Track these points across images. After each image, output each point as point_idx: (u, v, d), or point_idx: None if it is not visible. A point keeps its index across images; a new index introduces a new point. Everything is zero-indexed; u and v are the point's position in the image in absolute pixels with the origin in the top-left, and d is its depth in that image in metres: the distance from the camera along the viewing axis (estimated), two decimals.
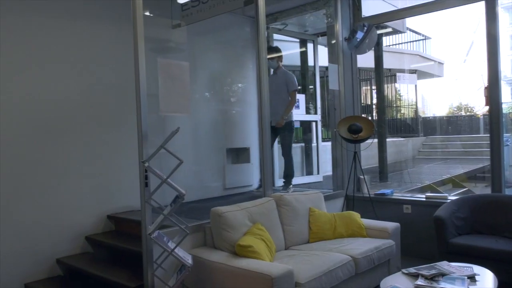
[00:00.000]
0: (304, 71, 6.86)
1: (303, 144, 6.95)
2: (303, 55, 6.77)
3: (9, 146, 3.62)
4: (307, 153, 6.79)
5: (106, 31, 4.25)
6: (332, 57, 5.24)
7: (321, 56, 6.52)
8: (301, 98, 6.25)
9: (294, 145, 7.39)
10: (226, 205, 3.48)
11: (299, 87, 6.32)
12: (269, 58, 4.87)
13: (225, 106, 5.64)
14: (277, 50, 5.33)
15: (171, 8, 4.60)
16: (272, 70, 5.44)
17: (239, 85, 5.85)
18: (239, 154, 5.69)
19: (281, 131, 5.29)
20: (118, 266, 3.65)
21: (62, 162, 3.95)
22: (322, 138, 6.87)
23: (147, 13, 4.33)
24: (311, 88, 6.79)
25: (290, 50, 6.90)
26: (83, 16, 4.11)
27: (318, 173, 6.59)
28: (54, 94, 3.91)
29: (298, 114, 6.04)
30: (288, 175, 5.39)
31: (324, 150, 6.69)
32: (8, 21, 3.66)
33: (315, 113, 6.60)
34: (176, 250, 2.83)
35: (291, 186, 5.34)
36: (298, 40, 6.72)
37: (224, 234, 3.25)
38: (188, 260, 2.89)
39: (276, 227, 3.68)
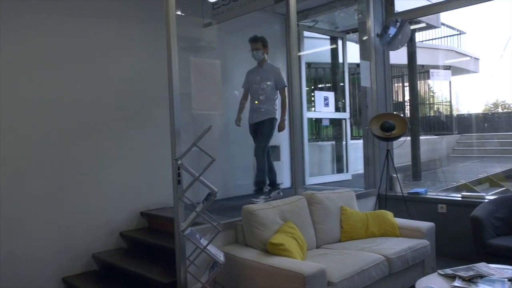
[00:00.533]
0: (334, 68, 6.78)
1: (333, 142, 6.88)
2: (333, 52, 6.69)
3: (48, 144, 3.74)
4: (337, 151, 6.72)
5: (138, 31, 4.33)
6: (364, 54, 5.16)
7: (350, 53, 6.43)
8: (330, 96, 6.18)
9: (324, 143, 7.34)
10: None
11: (328, 85, 6.25)
12: (253, 49, 4.55)
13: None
14: (263, 40, 4.68)
15: (202, 7, 4.64)
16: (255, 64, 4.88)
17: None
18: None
19: (261, 125, 4.64)
20: (151, 262, 3.71)
21: (98, 160, 4.05)
22: (352, 136, 6.78)
23: (179, 13, 4.37)
24: (338, 85, 6.71)
25: (320, 48, 6.84)
26: (115, 16, 4.20)
27: (347, 171, 6.51)
28: (89, 94, 4.02)
29: (327, 112, 5.98)
30: (260, 181, 4.66)
31: (353, 148, 6.61)
32: (43, 22, 3.77)
33: (344, 110, 6.52)
34: (208, 247, 2.86)
35: (277, 191, 4.70)
36: (328, 37, 6.64)
37: (256, 232, 3.26)
38: (220, 257, 2.92)
39: (307, 225, 3.66)
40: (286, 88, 4.44)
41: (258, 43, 4.56)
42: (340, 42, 6.55)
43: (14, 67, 3.60)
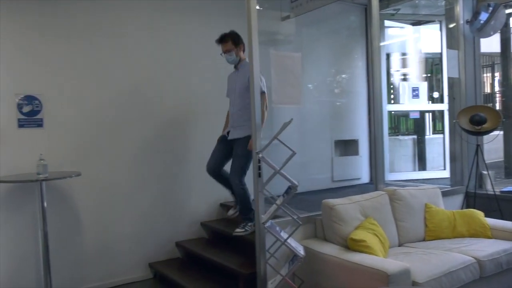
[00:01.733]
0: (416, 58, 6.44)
1: (414, 137, 6.56)
2: (418, 41, 6.34)
3: (137, 138, 3.97)
4: (419, 146, 6.39)
5: (218, 26, 4.42)
6: (451, 42, 4.85)
7: (429, 42, 6.03)
8: (422, 86, 5.80)
9: (405, 137, 7.02)
10: (336, 198, 3.42)
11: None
12: (223, 52, 3.68)
13: (332, 97, 5.55)
14: (232, 37, 3.67)
15: (281, 1, 4.64)
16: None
17: (347, 75, 5.70)
18: (347, 146, 5.56)
19: (236, 144, 3.71)
20: (231, 252, 3.80)
21: (182, 153, 4.24)
22: (434, 130, 6.38)
23: (258, 7, 4.41)
24: (426, 76, 6.30)
25: (401, 37, 6.54)
26: (197, 13, 4.33)
27: (442, 168, 6.13)
28: (172, 90, 4.20)
29: (418, 104, 5.62)
30: (244, 209, 3.77)
31: (435, 143, 6.23)
32: (131, 21, 3.99)
33: (442, 101, 6.08)
34: (288, 241, 2.86)
35: (249, 225, 3.71)
36: (410, 25, 6.32)
37: (336, 227, 3.20)
38: (300, 251, 2.91)
39: (389, 222, 3.53)
40: (264, 95, 3.40)
41: (227, 43, 3.66)
42: (422, 30, 6.19)
43: (111, 63, 3.87)
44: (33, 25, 3.53)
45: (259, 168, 3.03)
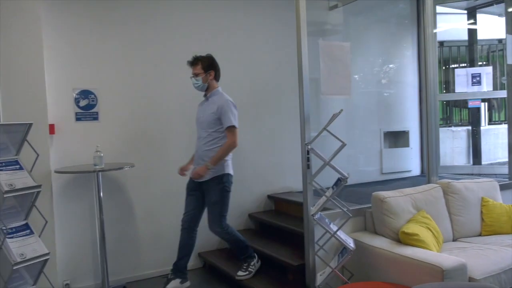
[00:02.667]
0: (472, 44, 6.13)
1: (469, 128, 6.29)
2: (473, 27, 6.04)
3: (190, 129, 4.04)
4: (473, 137, 6.12)
5: (267, 18, 4.44)
6: (511, 27, 4.57)
7: (487, 28, 5.71)
8: (484, 71, 5.47)
9: (458, 128, 6.74)
10: (387, 190, 3.34)
11: (463, 64, 5.60)
12: (193, 75, 3.39)
13: (380, 88, 5.41)
14: (203, 61, 3.37)
15: None
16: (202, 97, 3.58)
17: (395, 65, 5.53)
18: (397, 138, 5.42)
19: (205, 188, 3.35)
20: (279, 244, 3.82)
21: None
22: (490, 121, 6.06)
23: None
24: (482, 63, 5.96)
25: (455, 23, 6.25)
26: (244, 8, 4.35)
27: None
28: (224, 82, 4.23)
29: (479, 92, 5.30)
30: (240, 251, 3.53)
31: (491, 134, 5.94)
32: (184, 18, 4.06)
33: (503, 88, 5.75)
34: (338, 233, 2.84)
35: (251, 264, 3.51)
36: (465, 12, 6.03)
37: (387, 220, 3.13)
38: (350, 243, 2.87)
39: (442, 216, 3.41)
40: (232, 129, 3.24)
41: (196, 66, 3.35)
42: (478, 16, 5.88)
43: (162, 58, 3.96)
44: (89, 22, 3.67)
45: (308, 159, 3.02)
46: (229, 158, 3.37)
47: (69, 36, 3.60)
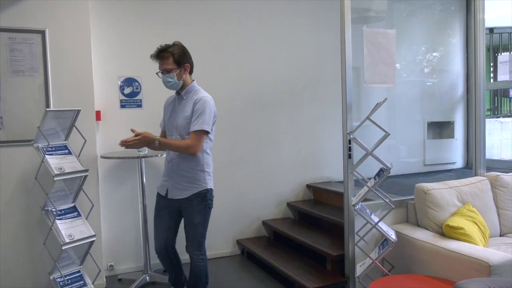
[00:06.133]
0: None
1: None
2: None
3: (228, 119, 4.07)
4: None
5: (309, 7, 4.38)
6: None
7: None
8: None
9: (508, 119, 6.45)
10: (430, 182, 3.25)
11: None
12: (161, 70, 2.63)
13: (423, 77, 5.24)
14: (174, 53, 2.59)
15: None
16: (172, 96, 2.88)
17: (439, 53, 5.33)
18: (442, 129, 5.24)
19: (185, 207, 2.68)
20: (317, 233, 3.81)
21: (271, 134, 4.29)
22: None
23: None
24: None
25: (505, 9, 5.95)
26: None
27: None
28: (264, 71, 4.25)
29: None
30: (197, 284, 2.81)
31: None
32: (230, 13, 4.07)
33: None
34: (379, 224, 2.79)
35: None
36: None
37: (430, 213, 3.05)
38: (392, 235, 2.82)
39: (490, 210, 3.28)
40: (200, 135, 2.56)
41: (167, 60, 2.59)
42: None
43: (201, 47, 3.99)
44: (134, 10, 3.74)
45: (349, 149, 2.98)
46: (211, 170, 2.74)
47: (114, 25, 3.68)
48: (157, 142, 2.54)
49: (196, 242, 2.74)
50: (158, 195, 2.81)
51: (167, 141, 2.63)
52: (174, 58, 2.59)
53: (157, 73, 2.66)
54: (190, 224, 2.71)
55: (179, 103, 2.72)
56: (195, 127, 2.55)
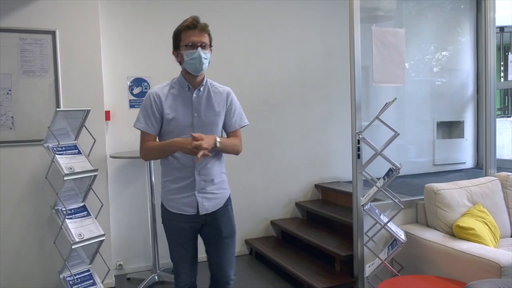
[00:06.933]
0: None
1: None
2: None
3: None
4: None
5: (317, 10, 4.37)
6: None
7: None
8: None
9: None
10: (440, 182, 3.23)
11: None
12: (199, 45, 2.08)
13: (433, 76, 5.20)
14: (210, 34, 2.15)
15: None
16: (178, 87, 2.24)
17: (448, 52, 5.29)
18: (451, 128, 5.20)
19: (215, 221, 2.19)
20: (326, 233, 3.80)
21: (279, 134, 4.30)
22: None
23: None
24: None
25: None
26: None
27: None
28: (273, 72, 4.25)
29: None
30: None
31: None
32: (243, 14, 4.07)
33: None
34: (388, 224, 2.78)
35: None
36: None
37: (440, 213, 3.03)
38: (401, 235, 2.81)
39: (500, 210, 3.25)
40: (240, 130, 2.30)
41: (206, 33, 2.13)
42: None
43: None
44: (143, 11, 3.76)
45: (358, 149, 2.96)
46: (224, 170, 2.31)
47: (124, 25, 3.70)
48: (218, 142, 2.08)
49: (233, 260, 2.26)
50: (178, 216, 2.14)
51: (225, 140, 2.18)
52: (210, 37, 2.16)
53: (188, 46, 2.06)
54: (230, 236, 2.24)
55: (199, 96, 2.15)
56: (240, 122, 2.26)
